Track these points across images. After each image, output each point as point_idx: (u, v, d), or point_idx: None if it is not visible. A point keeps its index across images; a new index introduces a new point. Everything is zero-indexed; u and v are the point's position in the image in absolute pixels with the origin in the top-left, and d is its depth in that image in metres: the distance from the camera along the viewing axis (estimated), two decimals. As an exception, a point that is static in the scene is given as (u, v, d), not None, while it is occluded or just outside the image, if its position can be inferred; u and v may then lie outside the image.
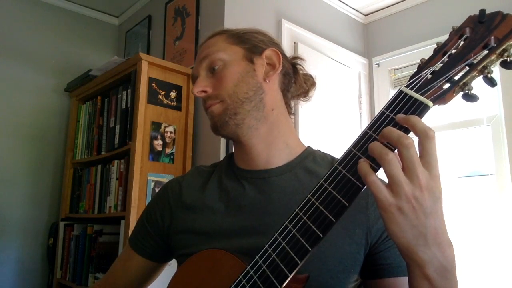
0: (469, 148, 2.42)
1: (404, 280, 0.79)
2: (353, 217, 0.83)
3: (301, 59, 1.04)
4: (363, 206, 0.84)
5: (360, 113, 2.82)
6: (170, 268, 1.39)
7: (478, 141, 2.37)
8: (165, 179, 2.03)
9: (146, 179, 1.99)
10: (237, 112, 0.88)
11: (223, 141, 2.06)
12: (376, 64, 2.91)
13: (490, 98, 2.26)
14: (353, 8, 2.93)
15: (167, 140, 2.10)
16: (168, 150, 2.10)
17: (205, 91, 0.91)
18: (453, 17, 2.50)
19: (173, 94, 2.16)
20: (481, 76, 0.60)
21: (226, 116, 0.88)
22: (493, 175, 2.27)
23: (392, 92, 2.82)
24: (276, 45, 0.98)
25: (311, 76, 1.04)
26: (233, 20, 2.22)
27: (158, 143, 2.06)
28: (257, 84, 0.91)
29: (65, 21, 2.97)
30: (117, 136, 2.20)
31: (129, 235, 1.04)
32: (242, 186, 0.91)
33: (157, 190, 1.97)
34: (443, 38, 2.26)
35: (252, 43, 0.94)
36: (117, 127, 2.21)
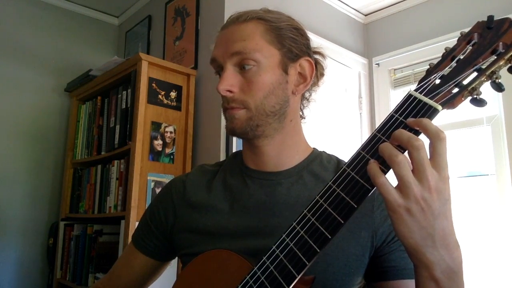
0: (469, 148, 2.42)
1: (409, 283, 0.80)
2: (358, 219, 0.83)
3: (323, 55, 0.98)
4: (369, 209, 0.85)
5: (360, 113, 2.83)
6: (170, 268, 1.39)
7: (478, 141, 2.38)
8: (165, 179, 2.03)
9: (146, 179, 1.99)
10: (259, 125, 0.85)
11: (223, 141, 2.06)
12: (376, 64, 2.91)
13: (490, 98, 2.27)
14: (353, 8, 2.94)
15: (167, 140, 2.10)
16: (168, 150, 2.10)
17: (231, 91, 0.85)
18: (453, 16, 2.50)
19: (173, 94, 2.16)
20: (489, 81, 0.60)
21: (248, 127, 0.85)
22: (493, 175, 2.28)
23: (393, 92, 2.83)
24: (310, 50, 0.93)
25: (323, 68, 0.99)
26: (234, 20, 2.22)
27: (158, 143, 2.06)
28: (285, 98, 0.87)
29: (65, 21, 2.96)
30: (117, 136, 2.20)
31: (132, 233, 1.04)
32: (248, 187, 0.90)
33: (157, 190, 1.98)
34: (443, 37, 2.27)
35: (289, 47, 0.87)
36: (117, 127, 2.21)
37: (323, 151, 0.98)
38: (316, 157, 0.95)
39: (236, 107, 0.85)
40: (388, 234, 0.83)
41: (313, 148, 0.98)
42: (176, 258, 1.03)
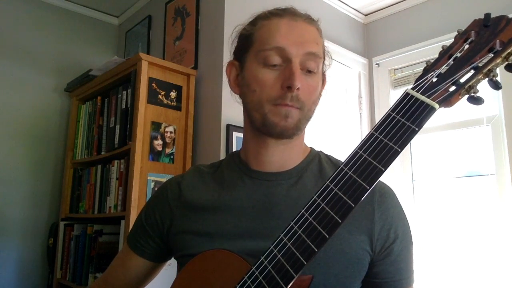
0: (469, 148, 2.42)
1: None
2: (359, 222, 0.82)
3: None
4: (369, 212, 0.84)
5: (360, 113, 2.83)
6: (170, 268, 1.38)
7: (478, 141, 2.37)
8: (165, 179, 2.02)
9: (146, 179, 1.99)
10: (301, 128, 0.86)
11: (223, 141, 2.06)
12: (376, 64, 2.91)
13: (490, 98, 2.27)
14: (353, 8, 2.94)
15: (167, 140, 2.10)
16: (168, 150, 2.10)
17: (299, 89, 0.81)
18: (453, 16, 2.50)
19: (173, 94, 2.16)
20: (486, 79, 0.60)
21: (296, 128, 0.84)
22: (493, 175, 2.28)
23: (393, 92, 2.83)
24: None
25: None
26: (233, 20, 2.22)
27: (158, 143, 2.06)
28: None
29: (65, 21, 2.96)
30: (117, 136, 2.20)
31: (127, 235, 1.03)
32: (247, 187, 0.89)
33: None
34: (443, 37, 2.27)
35: (324, 57, 0.90)
36: (117, 127, 2.21)
37: (320, 151, 0.98)
38: (315, 157, 0.94)
39: (295, 106, 0.83)
40: (386, 241, 0.83)
41: (310, 147, 0.98)
42: (176, 258, 1.02)
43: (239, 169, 0.93)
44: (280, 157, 0.89)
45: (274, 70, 0.83)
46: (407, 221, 0.89)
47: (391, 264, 0.84)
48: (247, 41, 0.89)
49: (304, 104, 0.83)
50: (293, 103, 0.82)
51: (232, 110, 2.10)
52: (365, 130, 2.80)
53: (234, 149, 2.04)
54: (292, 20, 0.85)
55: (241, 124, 2.20)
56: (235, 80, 0.93)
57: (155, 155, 2.05)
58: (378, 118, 2.82)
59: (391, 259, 0.84)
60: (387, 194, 0.88)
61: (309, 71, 0.84)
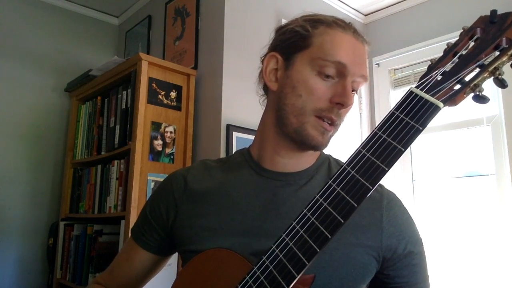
0: (469, 148, 2.42)
1: None
2: (367, 228, 0.82)
3: None
4: (378, 218, 0.84)
5: (360, 113, 2.82)
6: (170, 268, 1.38)
7: (478, 141, 2.37)
8: (165, 179, 2.02)
9: (146, 179, 1.99)
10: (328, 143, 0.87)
11: (223, 141, 2.06)
12: (376, 64, 2.91)
13: (490, 98, 2.26)
14: (353, 8, 2.93)
15: (167, 140, 2.10)
16: (168, 150, 2.09)
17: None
18: (453, 16, 2.50)
19: (173, 94, 2.16)
20: (492, 77, 0.59)
21: (326, 146, 0.86)
22: (493, 175, 2.27)
23: (393, 93, 2.82)
24: None
25: None
26: (233, 20, 2.22)
27: (158, 143, 2.06)
28: None
29: (65, 21, 2.96)
30: (117, 136, 2.19)
31: (131, 228, 1.02)
32: (256, 185, 0.89)
33: (157, 190, 1.97)
34: (444, 37, 2.27)
35: None
36: (117, 127, 2.21)
37: (330, 155, 0.98)
38: (325, 160, 0.94)
39: (335, 125, 0.84)
40: (397, 247, 0.83)
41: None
42: (176, 257, 1.01)
43: (249, 166, 0.92)
44: (296, 161, 0.89)
45: (326, 81, 0.82)
46: (415, 225, 0.90)
47: (404, 268, 0.84)
48: (303, 41, 0.85)
49: (341, 121, 0.85)
50: (337, 118, 0.82)
51: (232, 110, 2.10)
52: (365, 131, 2.80)
53: (234, 149, 2.03)
54: (355, 38, 0.85)
55: (241, 124, 2.20)
56: (272, 73, 0.89)
57: (155, 155, 2.04)
58: (378, 118, 2.82)
59: (404, 264, 0.83)
60: (394, 201, 0.88)
61: (352, 90, 0.83)
